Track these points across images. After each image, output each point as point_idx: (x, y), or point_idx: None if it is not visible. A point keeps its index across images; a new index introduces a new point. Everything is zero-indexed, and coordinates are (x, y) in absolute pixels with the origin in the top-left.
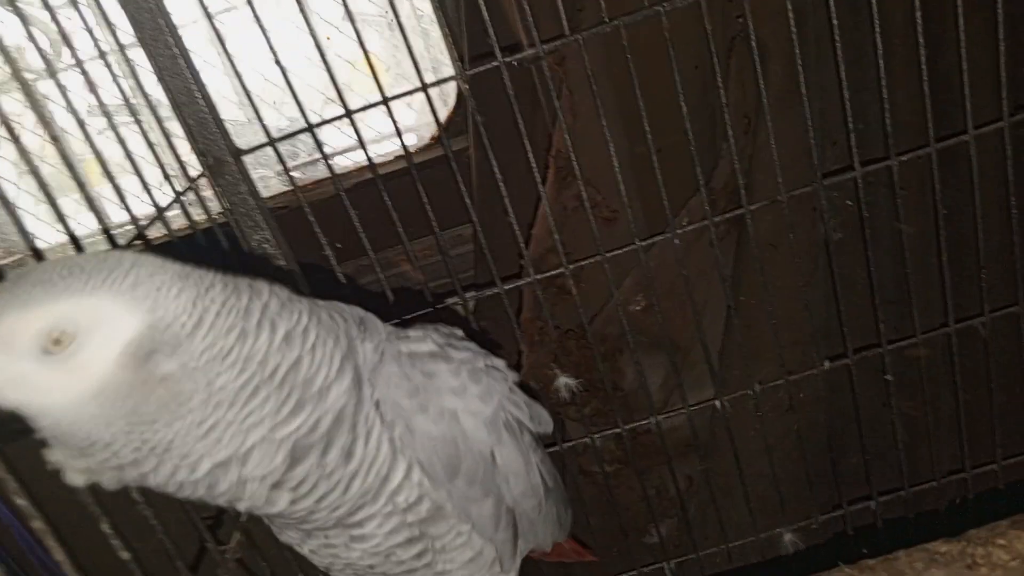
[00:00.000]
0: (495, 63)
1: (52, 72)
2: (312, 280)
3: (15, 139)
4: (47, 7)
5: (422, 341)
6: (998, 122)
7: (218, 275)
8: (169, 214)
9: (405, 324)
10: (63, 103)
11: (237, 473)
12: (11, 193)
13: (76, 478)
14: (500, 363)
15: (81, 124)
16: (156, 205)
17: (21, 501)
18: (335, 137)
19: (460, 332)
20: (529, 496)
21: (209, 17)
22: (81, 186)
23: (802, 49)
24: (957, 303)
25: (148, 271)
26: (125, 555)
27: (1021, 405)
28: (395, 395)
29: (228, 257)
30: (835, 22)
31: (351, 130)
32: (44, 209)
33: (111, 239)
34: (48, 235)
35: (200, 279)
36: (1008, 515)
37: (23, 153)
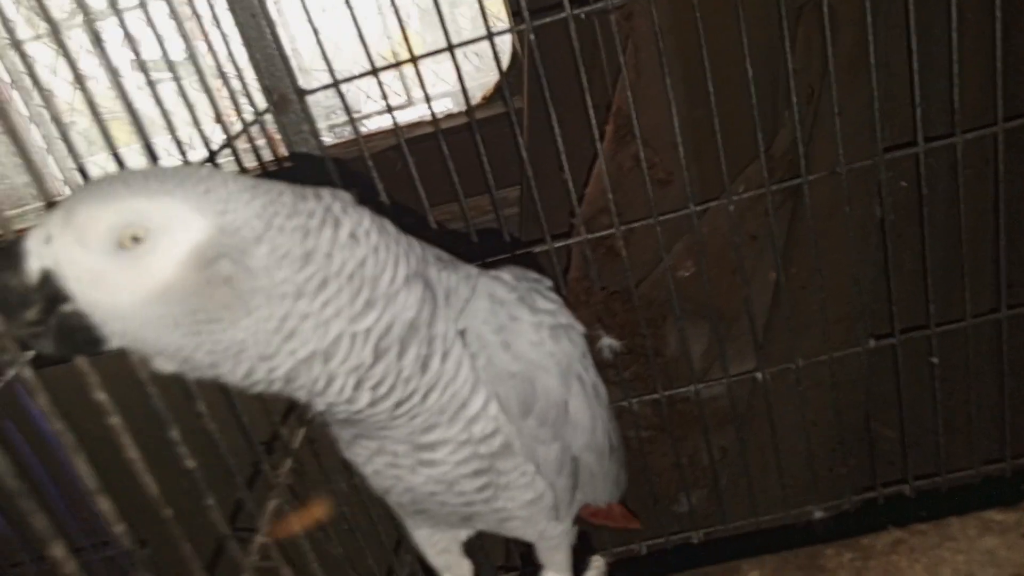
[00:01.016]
0: (563, 14)
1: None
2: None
3: (79, 80)
4: None
5: (512, 286)
6: None
7: (285, 184)
8: (227, 157)
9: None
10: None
11: (321, 367)
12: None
13: (165, 365)
14: (578, 326)
15: (143, 66)
16: (227, 132)
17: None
18: (377, 100)
19: (548, 282)
20: (593, 450)
21: None
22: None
23: (872, 19)
24: (1010, 289)
25: (221, 180)
26: (191, 464)
27: None
28: (482, 328)
29: None
30: None
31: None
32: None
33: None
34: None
35: (269, 189)
36: None
37: (48, 101)
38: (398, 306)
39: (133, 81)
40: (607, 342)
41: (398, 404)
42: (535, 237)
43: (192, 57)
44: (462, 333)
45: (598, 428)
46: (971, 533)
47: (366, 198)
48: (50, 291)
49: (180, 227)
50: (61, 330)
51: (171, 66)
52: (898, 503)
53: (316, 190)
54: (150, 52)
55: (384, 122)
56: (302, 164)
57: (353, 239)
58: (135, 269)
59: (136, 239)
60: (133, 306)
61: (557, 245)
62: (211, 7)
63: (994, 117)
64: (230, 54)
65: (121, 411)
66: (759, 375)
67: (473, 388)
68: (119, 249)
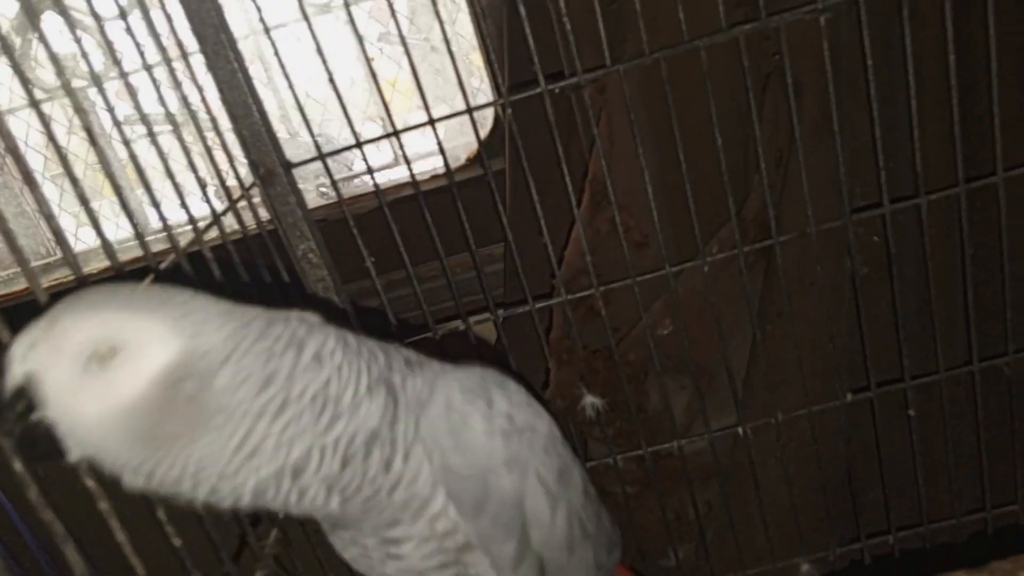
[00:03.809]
0: (538, 90)
1: (98, 82)
2: (349, 288)
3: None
4: (95, 17)
5: (469, 390)
6: None
7: (258, 309)
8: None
9: (442, 338)
10: (127, 109)
11: (291, 482)
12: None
13: (132, 480)
14: (540, 422)
15: (120, 130)
16: (213, 211)
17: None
18: (370, 156)
19: (512, 382)
20: (553, 545)
21: (268, 31)
22: (118, 193)
23: (835, 87)
24: (981, 342)
25: (198, 305)
26: (177, 542)
27: None
28: (436, 431)
29: (274, 263)
30: (869, 62)
31: (380, 151)
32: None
33: (172, 240)
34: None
35: (243, 315)
36: None
37: (63, 160)
38: (361, 416)
39: (127, 143)
40: (590, 400)
41: (367, 500)
42: (519, 297)
43: (179, 128)
44: (423, 439)
45: (559, 522)
46: None
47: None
48: (29, 396)
49: (155, 345)
50: (24, 437)
51: (176, 127)
52: (884, 561)
53: (286, 314)
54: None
55: (378, 179)
56: (289, 233)
57: (317, 361)
58: (107, 381)
59: (112, 353)
60: (100, 418)
61: (539, 306)
62: (196, 86)
63: (957, 177)
64: (217, 130)
65: (107, 491)
66: (740, 430)
67: (434, 487)
68: (94, 361)
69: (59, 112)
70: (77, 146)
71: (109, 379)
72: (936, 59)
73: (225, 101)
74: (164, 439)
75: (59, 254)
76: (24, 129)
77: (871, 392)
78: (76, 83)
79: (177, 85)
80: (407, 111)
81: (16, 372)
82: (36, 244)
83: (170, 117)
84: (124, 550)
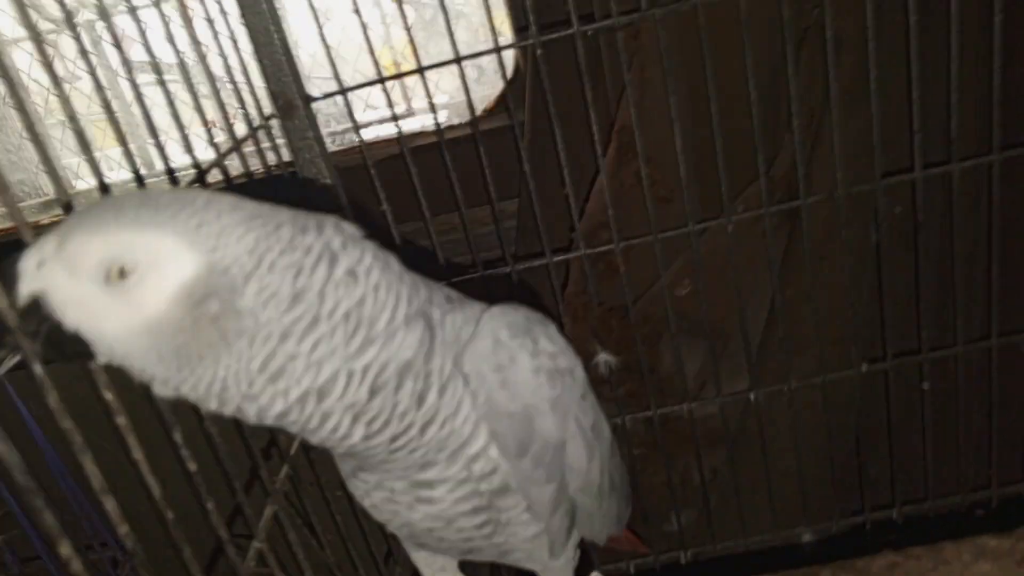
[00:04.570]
0: (571, 30)
1: (106, 15)
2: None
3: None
4: None
5: (515, 328)
6: None
7: (288, 214)
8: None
9: (455, 287)
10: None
11: (315, 406)
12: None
13: (161, 390)
14: (578, 368)
15: (155, 66)
16: (233, 137)
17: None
18: (382, 107)
19: (552, 324)
20: (589, 492)
21: None
22: (117, 130)
23: (875, 45)
24: (1001, 318)
25: (216, 212)
26: (193, 466)
27: None
28: (482, 367)
29: (293, 198)
30: (914, 17)
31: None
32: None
33: (199, 172)
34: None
35: (267, 221)
36: None
37: (64, 101)
38: (395, 345)
39: (134, 83)
40: (603, 357)
41: (394, 438)
42: (533, 250)
43: (201, 58)
44: (466, 377)
45: (594, 470)
46: (965, 558)
47: (372, 228)
48: (40, 312)
49: (170, 263)
50: (52, 339)
51: (183, 66)
52: (886, 527)
53: (319, 221)
54: (157, 54)
55: (382, 131)
56: (306, 170)
57: (351, 277)
58: (123, 302)
59: (125, 272)
60: (118, 337)
61: (556, 259)
62: (222, 11)
63: (991, 146)
64: (239, 58)
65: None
66: (752, 395)
67: (475, 426)
68: (108, 281)
69: (68, 46)
70: (86, 84)
71: (126, 299)
72: (980, 21)
73: (249, 28)
74: (188, 358)
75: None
76: (27, 61)
77: (887, 363)
78: (86, 15)
79: (188, 21)
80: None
81: (26, 289)
82: (43, 184)
83: (181, 57)
84: (140, 468)
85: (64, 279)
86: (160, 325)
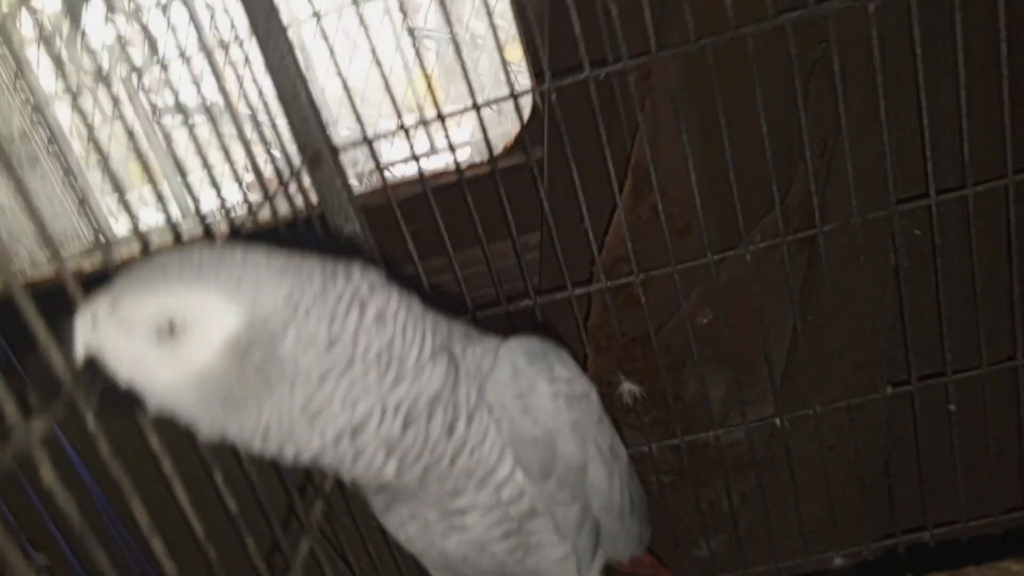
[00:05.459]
0: (583, 75)
1: (147, 67)
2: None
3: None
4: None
5: (531, 357)
6: None
7: (317, 263)
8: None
9: (478, 322)
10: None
11: (349, 443)
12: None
13: (208, 435)
14: (593, 393)
15: (185, 117)
16: (265, 191)
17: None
18: (405, 146)
19: (566, 352)
20: (611, 511)
21: (318, 18)
22: (148, 177)
23: (883, 76)
24: None
25: (253, 266)
26: (233, 506)
27: None
28: (503, 396)
29: (321, 246)
30: (918, 50)
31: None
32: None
33: (230, 220)
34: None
35: (299, 271)
36: None
37: (96, 146)
38: (424, 379)
39: (166, 133)
40: (627, 387)
41: (426, 469)
42: (555, 284)
43: (232, 112)
44: (488, 404)
45: (615, 490)
46: None
47: (395, 273)
48: (96, 368)
49: (215, 319)
50: (107, 394)
51: (212, 120)
52: (918, 552)
53: (347, 269)
54: (190, 106)
55: (406, 169)
56: (334, 214)
57: (380, 321)
58: (174, 357)
59: (175, 329)
60: (170, 389)
61: (578, 292)
62: (250, 70)
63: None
64: (268, 113)
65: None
66: (778, 421)
67: (501, 453)
68: (159, 337)
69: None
70: (122, 134)
71: (177, 354)
72: (986, 47)
73: (276, 85)
74: (234, 404)
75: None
76: (68, 114)
77: (912, 386)
78: (122, 71)
79: (232, 70)
80: (441, 104)
81: (83, 347)
82: (83, 230)
83: (210, 108)
84: (184, 510)
85: (118, 337)
86: (209, 376)
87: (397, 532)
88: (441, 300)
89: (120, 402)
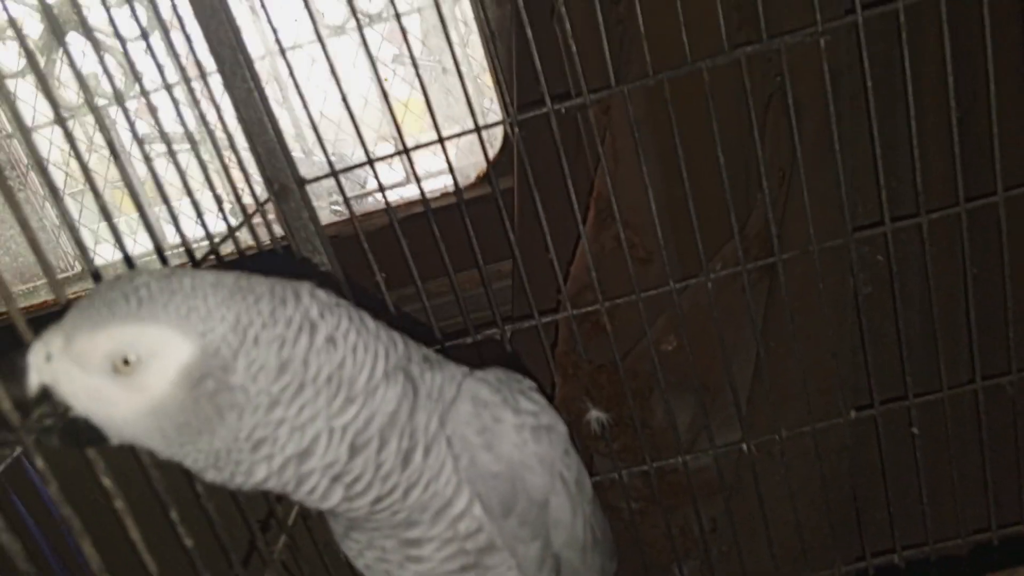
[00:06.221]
0: (544, 110)
1: (120, 100)
2: (359, 305)
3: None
4: (118, 38)
5: (496, 388)
6: None
7: (266, 286)
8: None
9: (447, 352)
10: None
11: (295, 469)
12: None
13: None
14: (560, 425)
15: (141, 147)
16: (229, 225)
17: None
18: (382, 175)
19: (530, 382)
20: (574, 547)
21: (283, 52)
22: (138, 206)
23: (836, 107)
24: (984, 361)
25: (202, 295)
26: (189, 542)
27: None
28: (465, 430)
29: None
30: (869, 83)
31: (393, 169)
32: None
33: (190, 255)
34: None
35: (247, 295)
36: None
37: (86, 172)
38: (377, 400)
39: (148, 159)
40: (595, 414)
41: (377, 500)
42: (526, 312)
43: (197, 146)
44: (448, 438)
45: (578, 524)
46: None
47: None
48: (50, 402)
49: (167, 351)
50: (67, 430)
51: (194, 145)
52: (889, 573)
53: (296, 290)
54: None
55: (382, 200)
56: (301, 245)
57: (331, 343)
58: (129, 389)
59: (129, 362)
60: (127, 420)
61: (545, 320)
62: (214, 104)
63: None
64: (233, 147)
65: (123, 493)
66: (744, 446)
67: (457, 487)
68: (114, 371)
69: (79, 131)
70: (96, 163)
71: (131, 386)
72: (936, 78)
73: (241, 119)
74: (188, 433)
75: (77, 268)
76: (47, 147)
77: (875, 409)
78: (98, 101)
79: (195, 104)
80: (419, 131)
81: (36, 381)
82: (56, 259)
83: (188, 135)
84: (138, 548)
85: (73, 372)
86: (163, 406)
87: (356, 560)
88: (411, 329)
89: (81, 437)
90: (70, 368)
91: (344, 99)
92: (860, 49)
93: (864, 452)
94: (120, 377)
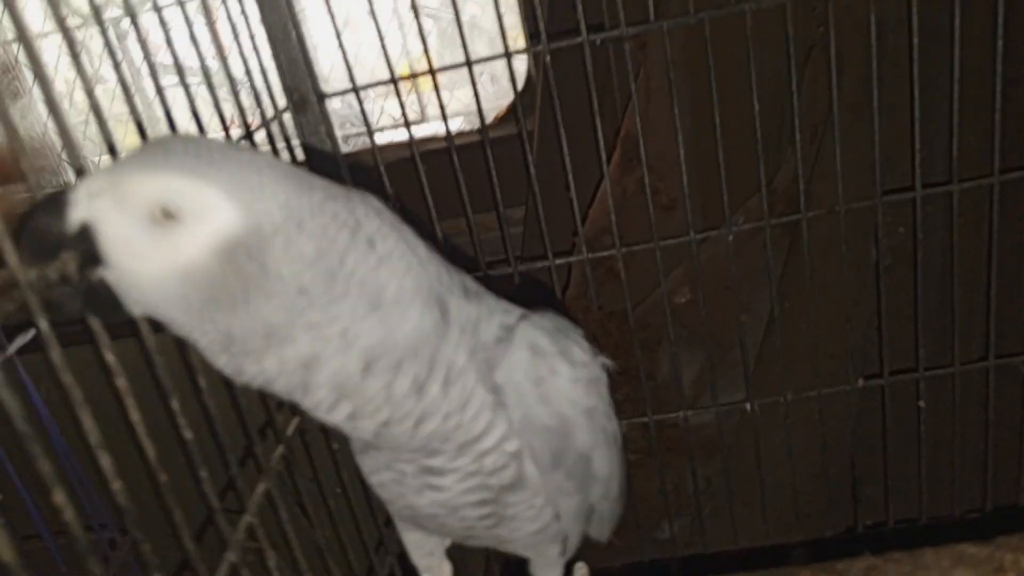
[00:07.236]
0: (579, 39)
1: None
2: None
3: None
4: None
5: (552, 336)
6: None
7: (320, 180)
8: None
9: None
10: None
11: (301, 373)
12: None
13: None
14: (604, 375)
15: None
16: (247, 127)
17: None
18: (394, 111)
19: (581, 331)
20: (608, 499)
21: None
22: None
23: (878, 66)
24: (999, 340)
25: (256, 168)
26: (189, 434)
27: None
28: (520, 379)
29: None
30: (915, 40)
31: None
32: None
33: None
34: None
35: (300, 182)
36: None
37: (84, 77)
38: (397, 318)
39: (157, 81)
40: (600, 361)
41: (385, 424)
42: (536, 253)
43: (219, 54)
44: (498, 385)
45: (615, 478)
46: (944, 564)
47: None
48: (86, 246)
49: (211, 214)
50: (88, 293)
51: (203, 66)
52: (877, 534)
53: (348, 191)
54: (178, 53)
55: (396, 136)
56: (317, 165)
57: (370, 245)
58: (165, 245)
59: (170, 215)
60: (155, 280)
61: (558, 262)
62: (242, 9)
63: (993, 167)
64: (256, 51)
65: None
66: (748, 406)
67: (489, 424)
68: (154, 221)
69: (94, 42)
70: (109, 83)
71: (168, 242)
72: (983, 45)
73: (266, 24)
74: (213, 308)
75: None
76: (55, 55)
77: (883, 379)
78: (112, 12)
79: (211, 19)
80: (429, 90)
81: (76, 216)
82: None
83: (198, 50)
84: (137, 429)
85: (113, 212)
86: (194, 273)
87: (370, 476)
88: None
89: (104, 303)
90: (112, 209)
91: (372, 13)
92: (910, 7)
93: (867, 422)
94: (158, 230)
